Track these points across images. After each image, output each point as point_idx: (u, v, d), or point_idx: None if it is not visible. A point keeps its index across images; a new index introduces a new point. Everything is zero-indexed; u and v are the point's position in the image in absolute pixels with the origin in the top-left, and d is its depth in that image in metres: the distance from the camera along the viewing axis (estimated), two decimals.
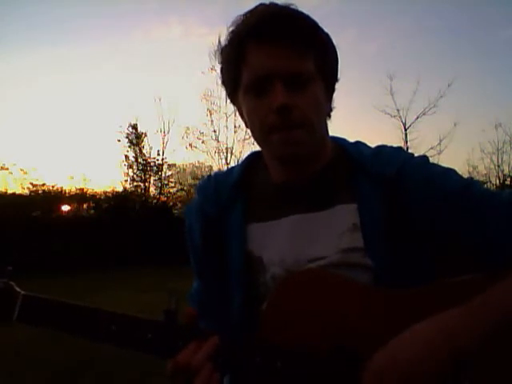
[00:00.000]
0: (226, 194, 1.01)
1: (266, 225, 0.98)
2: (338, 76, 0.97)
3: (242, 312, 0.97)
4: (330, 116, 0.99)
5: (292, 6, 0.91)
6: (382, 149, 0.98)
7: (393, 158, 0.94)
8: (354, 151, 0.98)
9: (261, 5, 0.92)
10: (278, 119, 0.87)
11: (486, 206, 0.85)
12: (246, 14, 0.91)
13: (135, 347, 0.85)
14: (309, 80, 0.89)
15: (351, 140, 1.03)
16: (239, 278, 0.97)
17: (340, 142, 1.02)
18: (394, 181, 0.91)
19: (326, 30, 0.93)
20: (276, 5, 0.91)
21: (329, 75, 0.94)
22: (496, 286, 0.80)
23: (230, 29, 0.92)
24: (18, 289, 0.90)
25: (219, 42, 0.94)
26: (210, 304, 1.03)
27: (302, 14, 0.91)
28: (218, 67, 0.97)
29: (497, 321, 0.78)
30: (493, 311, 0.78)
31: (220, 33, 0.94)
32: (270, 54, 0.87)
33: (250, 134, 0.96)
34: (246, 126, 0.97)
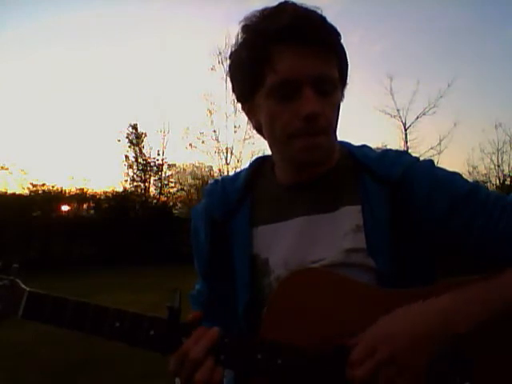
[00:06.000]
0: (233, 198, 1.02)
1: (271, 227, 0.98)
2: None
3: (247, 313, 0.97)
4: None
5: (318, 11, 0.89)
6: (387, 152, 0.98)
7: (398, 161, 0.94)
8: (359, 154, 0.98)
9: (286, 3, 0.88)
10: (304, 126, 0.86)
11: (492, 208, 0.86)
12: (267, 13, 0.88)
13: (138, 344, 0.85)
14: (334, 86, 0.89)
15: (356, 143, 1.04)
16: (245, 280, 0.97)
17: (346, 145, 1.02)
18: (400, 183, 0.91)
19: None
20: (302, 6, 0.87)
21: (345, 82, 0.95)
22: (498, 277, 0.82)
23: (246, 26, 0.89)
24: (23, 286, 0.91)
25: (236, 39, 0.90)
26: (214, 305, 1.03)
27: (326, 19, 0.88)
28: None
29: (495, 309, 0.80)
30: (492, 300, 0.81)
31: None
32: (300, 57, 0.84)
33: (265, 135, 0.95)
34: (254, 127, 0.97)
